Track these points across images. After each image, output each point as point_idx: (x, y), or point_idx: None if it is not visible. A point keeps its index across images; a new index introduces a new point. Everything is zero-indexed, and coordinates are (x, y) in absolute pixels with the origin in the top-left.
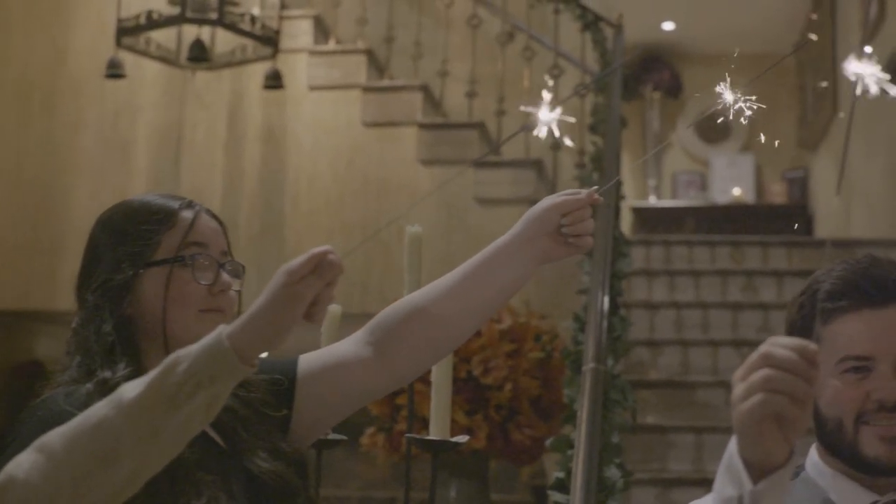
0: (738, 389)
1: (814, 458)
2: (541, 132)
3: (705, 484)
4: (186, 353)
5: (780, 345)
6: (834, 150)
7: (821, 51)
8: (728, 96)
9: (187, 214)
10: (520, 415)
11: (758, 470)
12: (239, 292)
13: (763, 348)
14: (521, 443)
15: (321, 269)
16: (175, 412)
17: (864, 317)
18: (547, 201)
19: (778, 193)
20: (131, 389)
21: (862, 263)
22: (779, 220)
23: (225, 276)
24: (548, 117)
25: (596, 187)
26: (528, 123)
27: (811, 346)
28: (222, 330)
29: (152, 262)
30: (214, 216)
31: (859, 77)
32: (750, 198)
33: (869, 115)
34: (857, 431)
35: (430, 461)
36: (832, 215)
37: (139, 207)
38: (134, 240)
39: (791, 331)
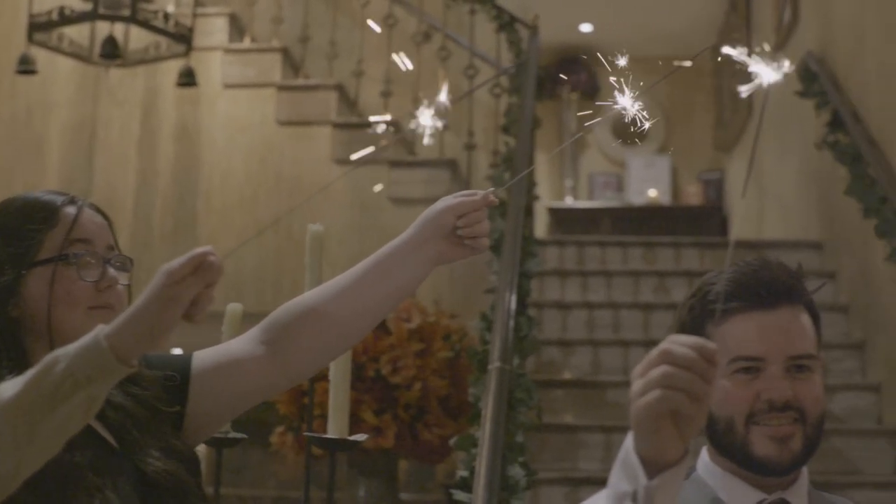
0: (637, 385)
1: (704, 458)
2: (425, 138)
3: None
4: (64, 352)
5: (680, 342)
6: (748, 153)
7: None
8: (626, 100)
9: (70, 211)
10: (428, 414)
11: (653, 466)
12: (128, 286)
13: (662, 345)
14: (429, 442)
15: (201, 271)
16: (53, 412)
17: (755, 318)
18: (442, 203)
19: (694, 195)
20: (9, 389)
21: (752, 266)
22: (694, 221)
23: (111, 272)
24: (427, 122)
25: (491, 189)
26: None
27: (710, 344)
28: (100, 329)
29: (36, 262)
30: (99, 210)
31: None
32: (666, 199)
33: (782, 117)
34: (747, 431)
35: (341, 461)
36: (746, 217)
37: (21, 206)
38: (16, 240)
39: (681, 331)
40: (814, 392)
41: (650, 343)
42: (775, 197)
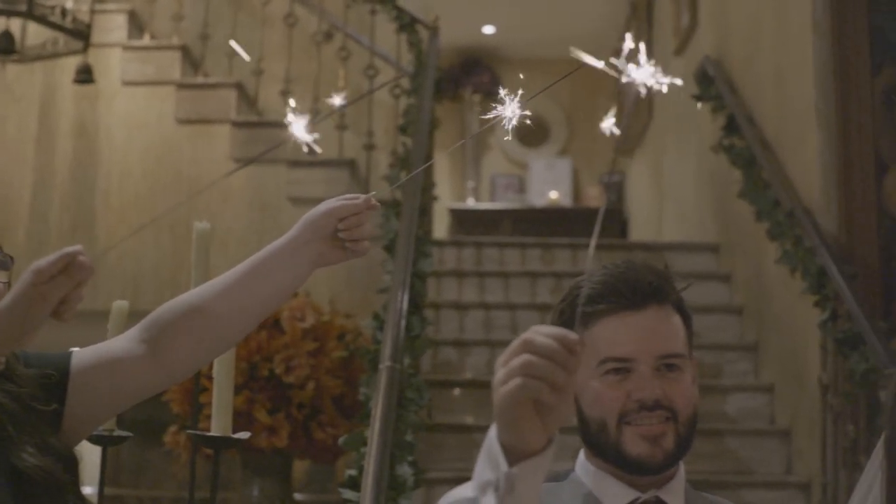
0: (499, 374)
1: (581, 458)
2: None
3: None
4: None
5: (542, 332)
6: (650, 156)
7: (637, 57)
8: (507, 108)
9: None
10: (322, 413)
11: (515, 455)
12: (7, 283)
13: (525, 335)
14: (323, 441)
15: (71, 270)
16: None
17: (623, 319)
18: (324, 206)
19: (595, 197)
20: None
21: (620, 268)
22: (595, 223)
23: None
24: (301, 133)
25: (373, 193)
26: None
27: (571, 334)
28: None
29: None
30: None
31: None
32: (567, 201)
33: (681, 121)
34: (620, 432)
35: (235, 461)
36: (646, 218)
37: None
38: None
39: None
40: (684, 391)
41: None
42: (674, 199)
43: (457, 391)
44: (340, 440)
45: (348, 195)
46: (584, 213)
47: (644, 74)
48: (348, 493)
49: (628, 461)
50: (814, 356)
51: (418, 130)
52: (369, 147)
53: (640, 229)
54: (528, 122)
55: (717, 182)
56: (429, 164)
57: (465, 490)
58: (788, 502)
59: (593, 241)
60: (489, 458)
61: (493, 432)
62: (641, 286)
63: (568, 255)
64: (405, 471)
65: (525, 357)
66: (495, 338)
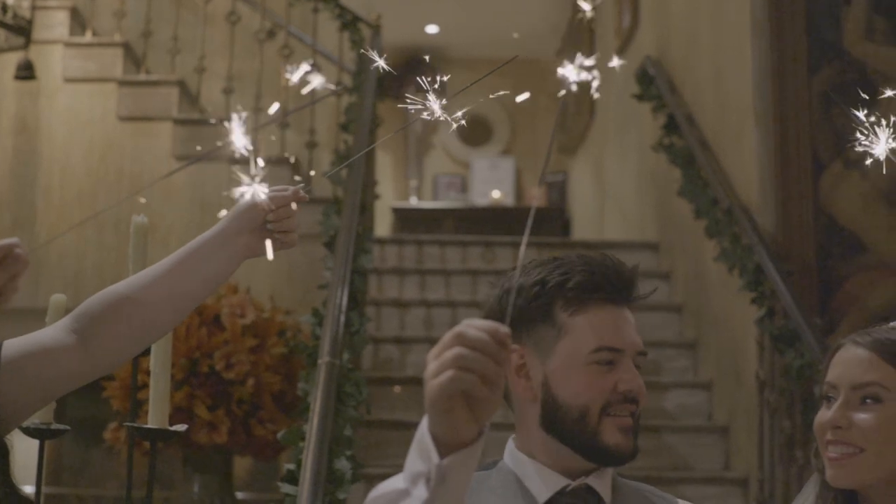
0: (431, 366)
1: (510, 446)
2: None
3: None
4: None
5: (473, 325)
6: (592, 155)
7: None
8: (434, 108)
9: None
10: (262, 410)
11: (446, 446)
12: None
13: (457, 328)
14: (263, 437)
15: (6, 261)
16: None
17: (610, 311)
18: (252, 198)
19: (537, 196)
20: None
21: (608, 261)
22: (537, 222)
23: None
24: (240, 140)
25: (302, 185)
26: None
27: (503, 328)
28: None
29: None
30: None
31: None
32: (510, 200)
33: (622, 122)
34: (599, 422)
35: (176, 459)
36: (588, 217)
37: None
38: None
39: (522, 318)
40: (643, 386)
41: None
42: (615, 198)
43: (397, 388)
44: (279, 435)
45: (278, 187)
46: (526, 212)
47: (575, 70)
48: (287, 488)
49: (604, 451)
50: (751, 353)
51: (360, 128)
52: (311, 145)
53: (583, 228)
54: (464, 121)
55: (658, 181)
56: (357, 156)
57: (396, 481)
58: (726, 497)
59: (524, 239)
60: (420, 450)
61: (424, 424)
62: (630, 282)
63: (509, 253)
64: (343, 465)
65: (457, 350)
66: (436, 335)
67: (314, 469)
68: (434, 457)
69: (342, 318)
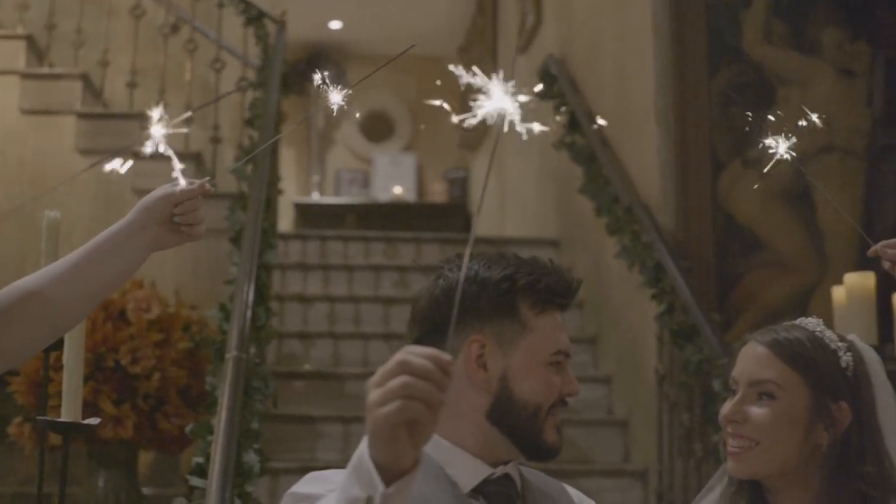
0: (375, 395)
1: (434, 436)
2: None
3: None
4: None
5: (416, 353)
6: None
7: (482, 55)
8: (333, 100)
9: None
10: (168, 404)
11: (388, 473)
12: None
13: (399, 356)
14: (169, 432)
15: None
16: None
17: (559, 317)
18: (160, 191)
19: (438, 192)
20: None
21: (557, 268)
22: (439, 218)
23: None
24: (159, 134)
25: (208, 178)
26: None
27: (445, 355)
28: None
29: None
30: None
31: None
32: (411, 196)
33: (523, 117)
34: (545, 420)
35: (80, 453)
36: (489, 214)
37: None
38: None
39: (484, 309)
40: None
41: (390, 336)
42: (516, 195)
43: (298, 383)
44: (187, 428)
45: (185, 180)
46: (428, 208)
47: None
48: (195, 481)
49: (543, 447)
50: (650, 348)
51: (265, 124)
52: (215, 140)
53: (484, 224)
54: (364, 115)
55: (559, 178)
56: (261, 148)
57: (315, 488)
58: (626, 489)
59: (470, 239)
60: (360, 476)
61: (364, 449)
62: (575, 291)
63: (411, 249)
64: (251, 458)
65: (403, 379)
66: (339, 330)
67: (223, 462)
68: (379, 485)
69: (249, 313)
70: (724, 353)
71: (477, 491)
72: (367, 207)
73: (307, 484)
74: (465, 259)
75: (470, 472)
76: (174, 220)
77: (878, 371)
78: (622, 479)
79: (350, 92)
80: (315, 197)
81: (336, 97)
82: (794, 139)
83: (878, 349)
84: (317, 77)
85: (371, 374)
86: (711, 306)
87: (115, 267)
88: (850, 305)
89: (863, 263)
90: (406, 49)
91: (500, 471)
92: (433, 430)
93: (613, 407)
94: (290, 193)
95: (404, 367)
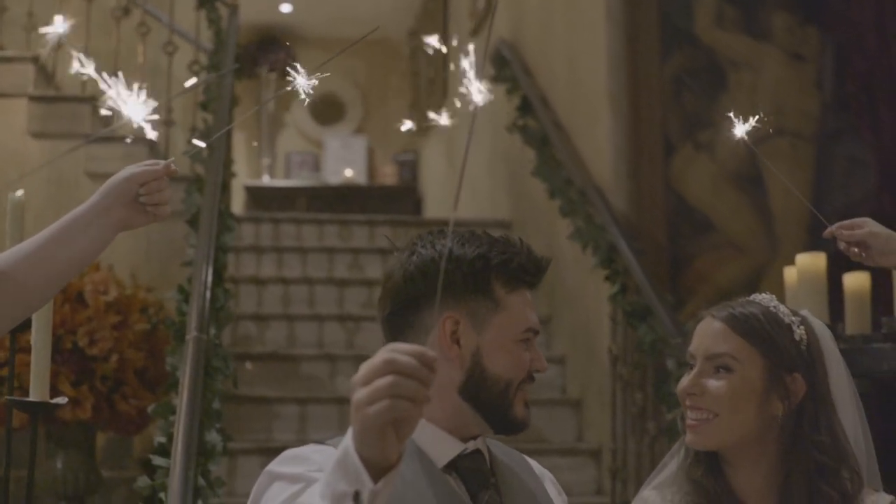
0: (362, 393)
1: None
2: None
3: None
4: None
5: (402, 351)
6: (442, 136)
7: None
8: (303, 81)
9: None
10: (126, 385)
11: (375, 469)
12: None
13: (385, 355)
14: (127, 413)
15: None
16: None
17: (528, 295)
18: (125, 172)
19: (389, 175)
20: None
21: (529, 247)
22: (389, 200)
23: None
24: (138, 115)
25: (173, 159)
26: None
27: (430, 352)
28: None
29: None
30: None
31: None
32: (362, 179)
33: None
34: (514, 396)
35: (40, 436)
36: (440, 196)
37: None
38: None
39: (457, 287)
40: None
41: (344, 318)
42: (467, 177)
43: (249, 364)
44: (150, 408)
45: (149, 161)
46: (379, 191)
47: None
48: (158, 460)
49: (514, 422)
50: (604, 328)
51: (219, 107)
52: (168, 123)
53: (434, 207)
54: (315, 98)
55: (511, 161)
56: (219, 134)
57: (311, 498)
58: (580, 468)
59: (451, 221)
60: (346, 471)
61: (349, 445)
62: (544, 270)
63: (365, 231)
64: (214, 437)
65: (390, 378)
66: (294, 312)
67: (186, 441)
68: (367, 482)
69: (208, 295)
70: (677, 332)
71: (450, 466)
72: (317, 190)
73: (285, 462)
74: (449, 235)
75: (443, 448)
76: (140, 201)
77: (830, 344)
78: (576, 458)
79: (318, 75)
80: (266, 180)
81: (302, 81)
82: (750, 123)
83: (829, 328)
84: (273, 61)
85: (326, 355)
86: (664, 287)
87: (81, 247)
88: (801, 285)
89: (813, 245)
90: (370, 31)
91: (471, 446)
92: (416, 425)
93: (567, 387)
94: (241, 176)
95: (391, 366)
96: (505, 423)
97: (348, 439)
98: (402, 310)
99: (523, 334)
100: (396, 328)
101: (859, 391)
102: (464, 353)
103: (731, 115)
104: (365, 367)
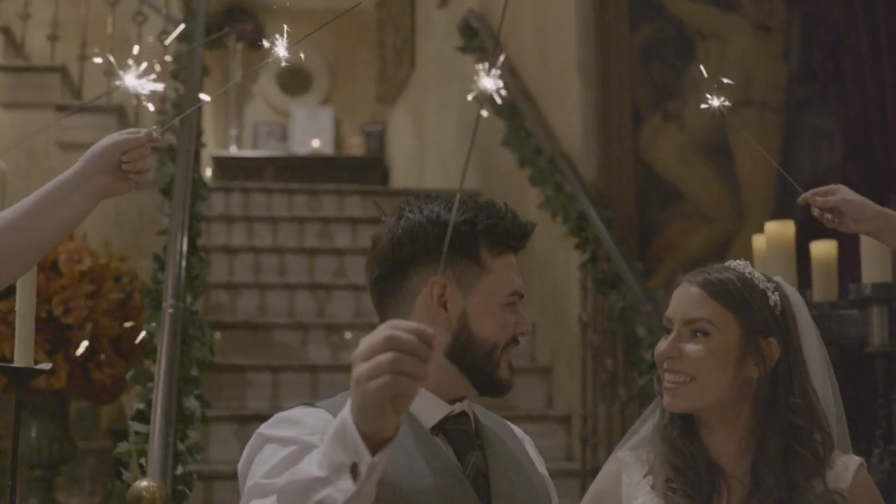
0: (363, 369)
1: None
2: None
3: None
4: None
5: (403, 328)
6: (411, 106)
7: (400, 9)
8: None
9: None
10: (100, 354)
11: (373, 442)
12: None
13: (385, 332)
14: (101, 382)
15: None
16: None
17: (513, 260)
18: (107, 140)
19: (356, 146)
20: None
21: (514, 212)
22: (356, 171)
23: None
24: (134, 83)
25: (155, 127)
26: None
27: (429, 330)
28: None
29: None
30: None
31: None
32: (329, 150)
33: (444, 73)
34: (500, 357)
35: (10, 404)
36: (407, 167)
37: None
38: None
39: (450, 250)
40: None
41: (315, 286)
42: (435, 147)
43: (218, 334)
44: (128, 375)
45: (131, 129)
46: (346, 161)
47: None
48: (138, 426)
49: (499, 384)
50: (574, 296)
51: (190, 77)
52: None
53: (402, 177)
54: (289, 67)
55: (480, 131)
56: (192, 109)
57: (309, 468)
58: (550, 434)
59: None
60: (344, 443)
61: (347, 417)
62: (529, 235)
63: (334, 201)
64: (193, 403)
65: (392, 354)
66: (265, 281)
67: (165, 407)
68: (365, 455)
69: (183, 263)
70: (647, 300)
71: (437, 428)
72: (285, 160)
73: (277, 425)
74: (456, 204)
75: (430, 409)
76: (122, 168)
77: (802, 310)
78: (546, 424)
79: (293, 47)
80: (233, 150)
81: (282, 50)
82: (723, 94)
83: None
84: (241, 31)
85: (297, 323)
86: (633, 255)
87: (64, 214)
88: (770, 253)
89: (779, 213)
90: (354, 5)
91: (458, 408)
92: (414, 398)
93: (536, 354)
94: (209, 147)
95: (392, 343)
96: (491, 384)
97: (347, 412)
98: (390, 274)
99: (508, 297)
100: (384, 292)
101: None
102: (451, 317)
103: (701, 86)
104: (366, 343)
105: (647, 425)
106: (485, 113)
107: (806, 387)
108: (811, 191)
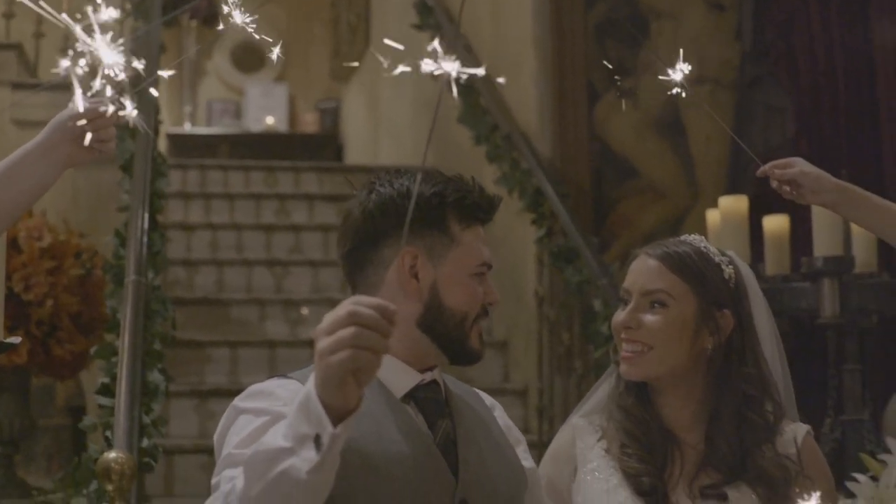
0: (325, 343)
1: None
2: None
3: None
4: None
5: (365, 304)
6: (364, 83)
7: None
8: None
9: None
10: (61, 330)
11: (335, 414)
12: None
13: (348, 307)
14: (62, 357)
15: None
16: None
17: (481, 232)
18: (70, 110)
19: (310, 123)
20: None
21: (480, 185)
22: (311, 148)
23: None
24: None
25: (116, 97)
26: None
27: (391, 305)
28: None
29: None
30: None
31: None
32: (283, 127)
33: (398, 51)
34: (470, 328)
35: None
36: (362, 143)
37: None
38: None
39: (415, 222)
40: None
41: (272, 262)
42: (390, 124)
43: (185, 309)
44: (92, 349)
45: (94, 99)
46: (301, 138)
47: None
48: (103, 400)
49: (470, 353)
50: (530, 271)
51: (148, 55)
52: (91, 69)
53: (356, 153)
54: (235, 46)
55: (434, 108)
56: (149, 80)
57: (275, 438)
58: (507, 407)
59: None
60: (308, 415)
61: (311, 391)
62: (496, 208)
63: (290, 177)
64: (157, 377)
65: (354, 329)
66: (222, 257)
67: (129, 381)
68: (328, 426)
69: (145, 239)
70: (602, 274)
71: (408, 396)
72: (239, 137)
73: (250, 397)
74: (417, 179)
75: (401, 378)
76: (85, 137)
77: (753, 284)
78: (503, 398)
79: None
80: (187, 127)
81: (238, 17)
82: (683, 71)
83: (751, 268)
84: (195, 9)
85: (255, 299)
86: (589, 230)
87: (30, 185)
88: (724, 227)
89: (731, 189)
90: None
91: (428, 377)
92: (376, 372)
93: (492, 328)
94: (164, 124)
95: (353, 318)
96: (461, 353)
97: (311, 384)
98: (362, 246)
99: (477, 268)
100: (356, 264)
101: (778, 330)
102: (422, 287)
103: (658, 63)
104: (329, 318)
105: (598, 392)
106: (455, 94)
107: (758, 357)
108: (770, 163)
